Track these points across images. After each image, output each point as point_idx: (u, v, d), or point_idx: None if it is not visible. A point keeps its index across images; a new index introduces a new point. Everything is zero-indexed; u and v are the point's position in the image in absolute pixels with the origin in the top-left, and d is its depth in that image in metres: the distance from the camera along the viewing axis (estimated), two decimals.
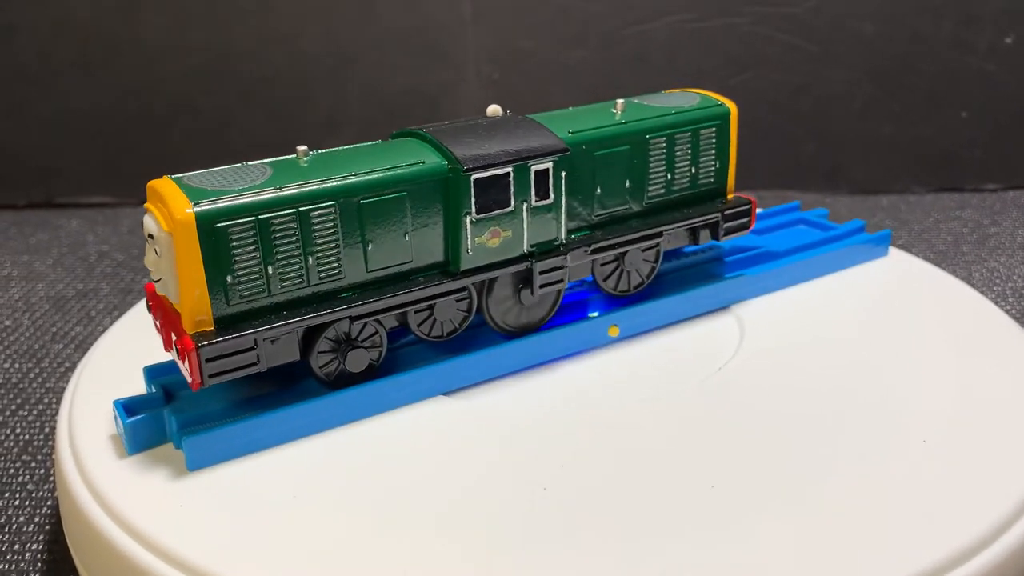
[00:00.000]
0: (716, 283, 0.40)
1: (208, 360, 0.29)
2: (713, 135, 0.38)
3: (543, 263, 0.34)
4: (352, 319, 0.31)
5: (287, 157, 0.32)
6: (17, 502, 0.39)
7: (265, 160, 0.32)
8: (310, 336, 0.31)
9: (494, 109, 0.36)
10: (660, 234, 0.37)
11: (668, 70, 0.75)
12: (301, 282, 0.30)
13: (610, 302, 0.38)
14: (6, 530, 0.37)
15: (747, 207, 0.39)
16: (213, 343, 0.29)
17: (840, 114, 0.76)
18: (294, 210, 0.30)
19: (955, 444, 0.31)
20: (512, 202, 0.33)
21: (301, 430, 0.31)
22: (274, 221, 0.29)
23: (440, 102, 0.77)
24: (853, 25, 0.74)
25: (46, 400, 0.47)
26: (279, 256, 0.30)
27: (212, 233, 0.28)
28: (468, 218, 0.32)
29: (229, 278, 0.29)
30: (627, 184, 0.37)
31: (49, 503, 0.39)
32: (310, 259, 0.30)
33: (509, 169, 0.32)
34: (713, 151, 0.38)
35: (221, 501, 0.29)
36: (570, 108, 0.38)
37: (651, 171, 0.37)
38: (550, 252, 0.34)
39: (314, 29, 0.76)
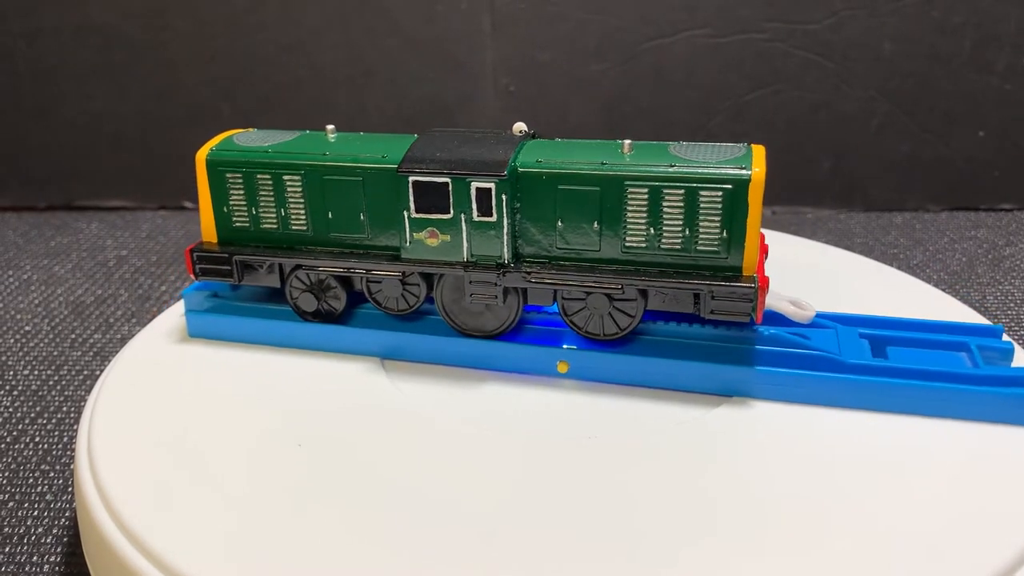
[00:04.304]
0: (713, 364, 0.35)
1: (196, 262, 0.39)
2: (718, 199, 0.33)
3: (475, 275, 0.36)
4: (301, 267, 0.38)
5: (319, 132, 0.40)
6: (36, 513, 0.40)
7: (305, 131, 0.40)
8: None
9: (518, 127, 0.37)
10: (620, 287, 0.35)
11: (685, 85, 0.76)
12: (277, 227, 0.39)
13: (588, 342, 0.37)
14: (25, 541, 0.38)
15: (748, 291, 0.33)
16: (201, 252, 0.39)
17: (857, 132, 0.77)
18: (271, 173, 0.38)
19: (953, 497, 0.30)
20: (451, 210, 0.35)
21: (267, 339, 0.40)
22: (257, 177, 0.38)
23: (457, 113, 0.77)
24: (871, 43, 0.74)
25: (64, 408, 0.48)
26: (261, 202, 0.39)
27: (215, 174, 0.39)
28: (407, 213, 0.36)
29: (225, 208, 0.39)
30: (596, 226, 0.35)
31: (67, 514, 0.40)
32: (282, 211, 0.38)
33: (448, 180, 0.35)
34: (718, 218, 0.34)
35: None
36: (589, 140, 0.38)
37: (628, 220, 0.34)
38: (489, 267, 0.36)
39: (334, 38, 0.76)
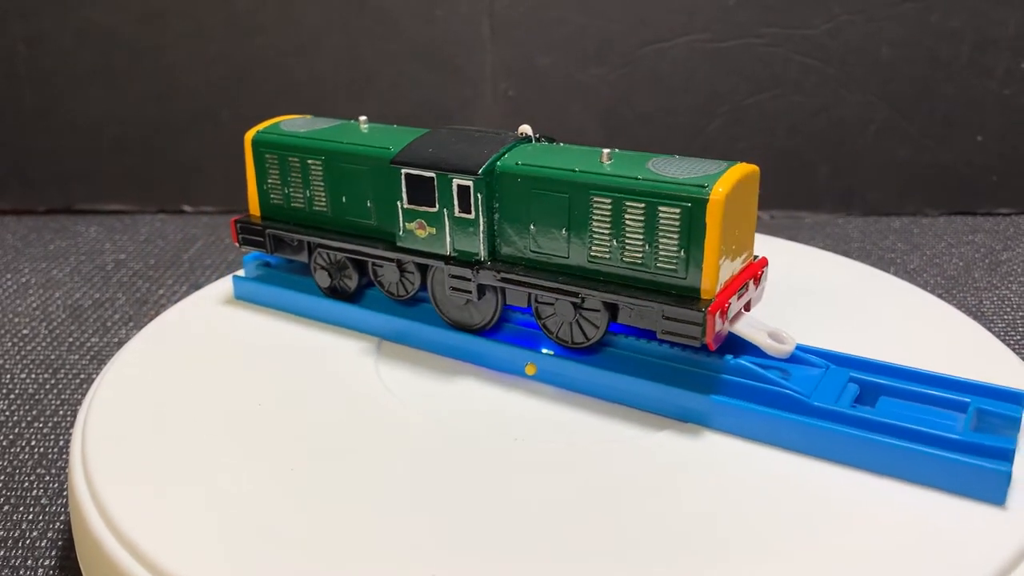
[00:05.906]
0: (669, 387, 0.34)
1: (239, 231, 0.44)
2: (676, 217, 0.32)
3: (453, 269, 0.37)
4: (318, 245, 0.42)
5: (355, 122, 0.43)
6: (31, 516, 0.40)
7: (342, 120, 0.44)
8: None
9: (524, 128, 0.38)
10: (578, 295, 0.35)
11: (684, 90, 0.76)
12: (304, 206, 0.42)
13: (559, 348, 0.37)
14: (20, 544, 0.38)
15: (697, 315, 0.32)
16: (244, 223, 0.44)
17: (855, 136, 0.77)
18: (300, 156, 0.41)
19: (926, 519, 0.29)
20: (436, 204, 0.37)
21: (292, 309, 0.44)
22: (289, 159, 0.42)
23: (456, 117, 0.77)
24: (870, 48, 0.74)
25: (61, 412, 0.48)
26: (291, 182, 0.42)
27: (258, 154, 0.43)
28: (400, 204, 0.38)
29: (264, 186, 0.43)
30: (564, 232, 0.35)
31: (62, 518, 0.40)
32: (308, 191, 0.42)
33: (433, 175, 0.37)
34: (676, 236, 0.32)
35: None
36: (583, 147, 0.38)
37: (594, 230, 0.34)
38: (467, 263, 0.37)
39: (334, 42, 0.76)
